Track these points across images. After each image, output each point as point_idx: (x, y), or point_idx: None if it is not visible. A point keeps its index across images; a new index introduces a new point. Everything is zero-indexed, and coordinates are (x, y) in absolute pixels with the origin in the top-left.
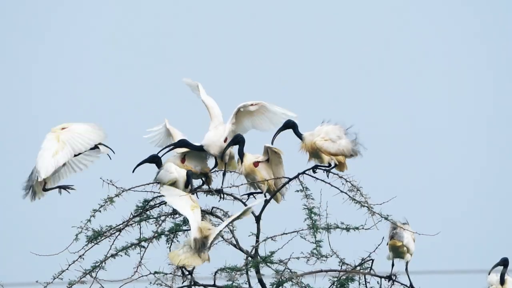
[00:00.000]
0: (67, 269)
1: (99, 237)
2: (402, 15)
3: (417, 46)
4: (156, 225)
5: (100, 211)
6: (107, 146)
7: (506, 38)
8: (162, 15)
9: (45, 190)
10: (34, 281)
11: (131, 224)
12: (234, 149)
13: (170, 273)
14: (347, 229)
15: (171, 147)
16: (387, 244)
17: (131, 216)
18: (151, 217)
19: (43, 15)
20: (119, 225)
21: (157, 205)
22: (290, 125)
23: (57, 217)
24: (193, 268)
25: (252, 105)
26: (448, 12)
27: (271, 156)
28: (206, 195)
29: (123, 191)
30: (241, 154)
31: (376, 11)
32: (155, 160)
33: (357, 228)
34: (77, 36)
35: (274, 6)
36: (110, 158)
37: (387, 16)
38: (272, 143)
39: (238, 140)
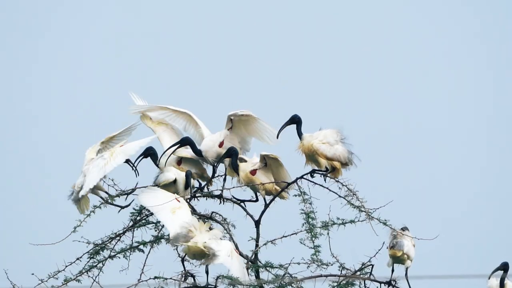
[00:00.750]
0: (63, 270)
1: (101, 251)
2: (402, 15)
3: (417, 46)
4: (155, 230)
5: (100, 207)
6: (134, 164)
7: (506, 38)
8: (162, 15)
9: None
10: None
11: (130, 229)
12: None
13: (171, 278)
14: (344, 223)
15: (177, 145)
16: (387, 248)
17: (130, 223)
18: (150, 222)
19: (43, 14)
20: (119, 232)
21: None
22: (295, 120)
23: (57, 216)
24: (206, 263)
25: (242, 115)
26: (448, 12)
27: (269, 161)
28: (206, 199)
29: (122, 192)
30: (235, 166)
31: (376, 11)
32: (149, 152)
33: (353, 222)
34: (76, 36)
35: (274, 7)
36: (137, 176)
37: (387, 16)
38: (277, 137)
39: (231, 153)
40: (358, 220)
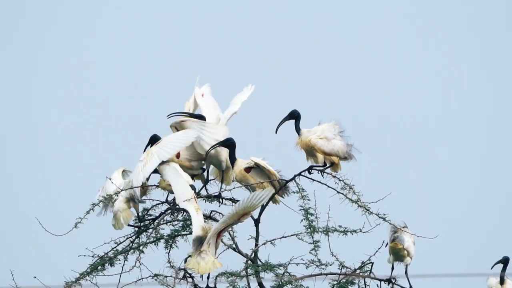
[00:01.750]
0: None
1: (104, 265)
2: (402, 15)
3: (416, 46)
4: (155, 233)
5: (99, 205)
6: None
7: (506, 38)
8: (162, 15)
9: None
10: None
11: (131, 237)
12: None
13: (170, 276)
14: (345, 232)
15: (186, 115)
16: (386, 246)
17: (133, 233)
18: (150, 227)
19: (43, 14)
20: (125, 248)
21: (157, 217)
22: (294, 115)
23: (58, 215)
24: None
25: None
26: (447, 12)
27: (261, 166)
28: (205, 201)
29: (122, 190)
30: (232, 158)
31: (376, 11)
32: (156, 139)
33: (355, 232)
34: (77, 36)
35: (274, 6)
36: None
37: (387, 16)
38: (276, 132)
39: (228, 144)
40: (360, 231)
